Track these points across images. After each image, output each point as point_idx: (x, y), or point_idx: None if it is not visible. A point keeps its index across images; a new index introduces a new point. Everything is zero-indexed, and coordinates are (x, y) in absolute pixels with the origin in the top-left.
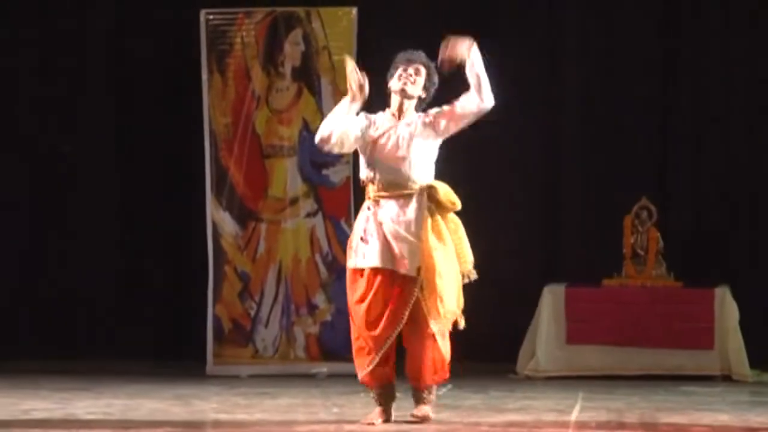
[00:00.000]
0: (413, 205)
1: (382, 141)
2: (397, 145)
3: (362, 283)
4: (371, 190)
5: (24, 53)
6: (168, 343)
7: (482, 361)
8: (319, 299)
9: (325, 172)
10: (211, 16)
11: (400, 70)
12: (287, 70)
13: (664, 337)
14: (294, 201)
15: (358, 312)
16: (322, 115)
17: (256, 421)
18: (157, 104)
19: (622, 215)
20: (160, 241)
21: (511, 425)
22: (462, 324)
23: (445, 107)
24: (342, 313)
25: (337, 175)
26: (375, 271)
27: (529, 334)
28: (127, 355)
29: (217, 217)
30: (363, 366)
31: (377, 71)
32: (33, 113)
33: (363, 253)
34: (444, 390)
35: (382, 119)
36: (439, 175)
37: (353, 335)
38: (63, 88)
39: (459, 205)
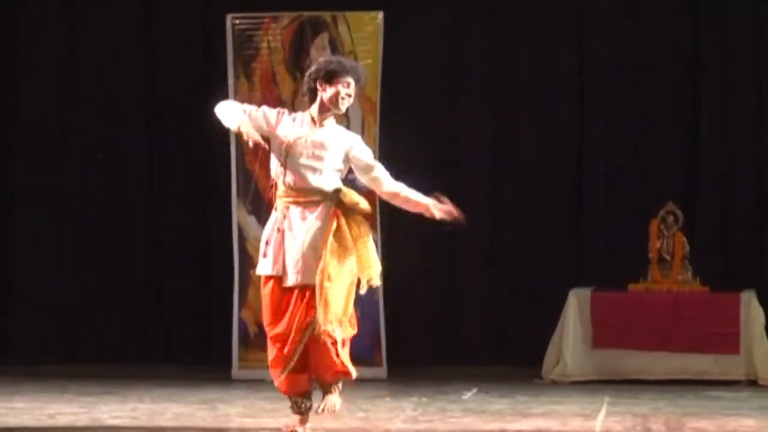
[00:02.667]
0: (318, 212)
1: (299, 145)
2: (311, 154)
3: (267, 295)
4: (280, 192)
5: (49, 58)
6: (194, 348)
7: (508, 365)
8: None
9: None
10: (237, 21)
11: (341, 87)
12: None
13: (689, 341)
14: None
15: (265, 325)
16: (347, 120)
17: (281, 426)
18: (183, 108)
19: (649, 219)
20: (186, 245)
21: (537, 430)
22: (350, 331)
23: (370, 164)
24: (366, 318)
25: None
26: (273, 279)
27: (555, 338)
28: (153, 359)
29: (243, 221)
30: (276, 375)
31: (404, 75)
32: (61, 117)
33: (266, 259)
34: (470, 394)
35: (301, 121)
36: (464, 177)
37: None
38: (90, 95)
39: (366, 206)
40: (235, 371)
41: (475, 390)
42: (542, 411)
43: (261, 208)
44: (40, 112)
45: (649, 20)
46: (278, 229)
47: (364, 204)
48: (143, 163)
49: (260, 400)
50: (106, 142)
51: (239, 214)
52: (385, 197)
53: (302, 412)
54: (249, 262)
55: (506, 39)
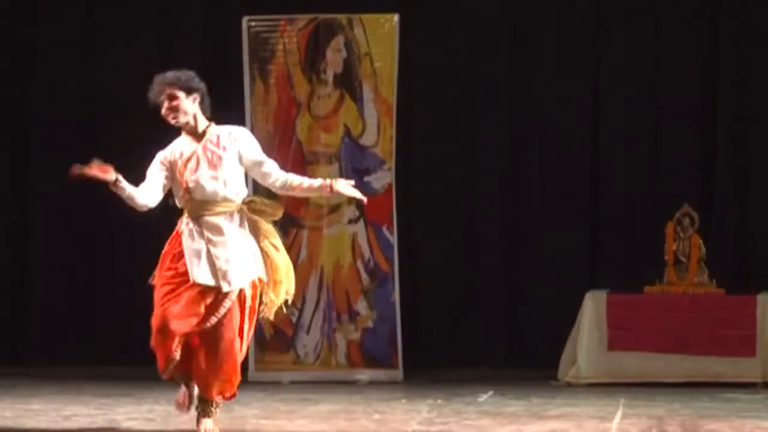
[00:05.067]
0: (236, 220)
1: (191, 165)
2: (207, 167)
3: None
4: (190, 211)
5: (65, 59)
6: None
7: (523, 367)
8: (361, 306)
9: (366, 178)
10: (253, 23)
11: (161, 104)
12: (329, 76)
13: (705, 344)
14: (336, 207)
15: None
16: (363, 122)
17: (297, 427)
18: None
19: (665, 222)
20: None
21: None
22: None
23: (256, 157)
24: (384, 320)
25: (378, 181)
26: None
27: (571, 340)
28: None
29: None
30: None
31: (419, 76)
32: (77, 119)
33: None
34: (485, 397)
35: (182, 144)
36: (480, 178)
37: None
38: (106, 98)
39: (280, 212)
40: (251, 373)
41: (490, 392)
42: (558, 413)
43: None
44: (55, 113)
45: (666, 21)
46: (201, 239)
47: (274, 204)
48: None
49: (276, 402)
50: (121, 144)
51: None
52: (281, 192)
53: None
54: None
55: (522, 40)
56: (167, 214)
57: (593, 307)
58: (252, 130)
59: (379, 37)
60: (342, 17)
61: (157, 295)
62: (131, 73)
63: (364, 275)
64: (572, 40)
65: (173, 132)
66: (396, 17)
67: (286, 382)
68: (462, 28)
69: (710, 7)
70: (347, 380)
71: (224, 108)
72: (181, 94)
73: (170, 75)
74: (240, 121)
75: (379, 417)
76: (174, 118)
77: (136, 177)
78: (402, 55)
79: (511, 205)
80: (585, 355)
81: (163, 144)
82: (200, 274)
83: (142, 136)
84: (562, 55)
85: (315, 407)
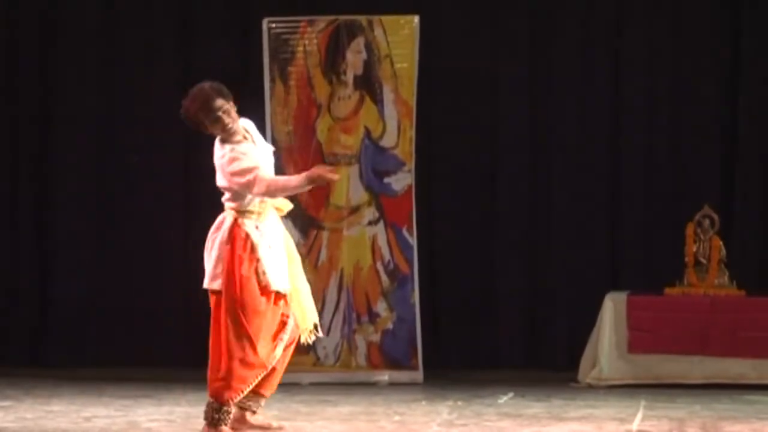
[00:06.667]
0: (278, 220)
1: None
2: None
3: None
4: (259, 213)
5: (85, 60)
6: None
7: (544, 369)
8: (381, 307)
9: (386, 180)
10: (273, 25)
11: (221, 113)
12: (349, 78)
13: (726, 345)
14: (356, 209)
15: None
16: (383, 123)
17: (316, 429)
18: None
19: (685, 223)
20: None
21: None
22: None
23: None
24: (404, 322)
25: (398, 183)
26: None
27: (591, 342)
28: (190, 363)
29: None
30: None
31: (439, 78)
32: (98, 120)
33: (275, 274)
34: (506, 398)
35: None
36: (500, 180)
37: (241, 353)
38: (127, 99)
39: (288, 206)
40: None
41: (511, 394)
42: (578, 415)
43: (297, 212)
44: (77, 114)
45: (686, 19)
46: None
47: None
48: (180, 166)
49: (296, 404)
50: (142, 145)
51: None
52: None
53: None
54: None
55: (543, 42)
56: (188, 214)
57: (613, 309)
58: (272, 132)
59: (400, 38)
60: (362, 19)
61: (262, 326)
62: (150, 75)
63: (383, 277)
64: (592, 40)
65: (194, 137)
66: (416, 19)
67: (306, 384)
68: (481, 29)
69: (731, 5)
70: (367, 382)
71: (244, 110)
72: (232, 103)
73: (223, 89)
74: (260, 122)
75: (399, 419)
76: (231, 123)
77: (148, 175)
78: (422, 57)
79: (531, 206)
80: (605, 356)
81: (177, 143)
82: (281, 282)
83: (161, 136)
84: (582, 55)
85: (335, 409)
